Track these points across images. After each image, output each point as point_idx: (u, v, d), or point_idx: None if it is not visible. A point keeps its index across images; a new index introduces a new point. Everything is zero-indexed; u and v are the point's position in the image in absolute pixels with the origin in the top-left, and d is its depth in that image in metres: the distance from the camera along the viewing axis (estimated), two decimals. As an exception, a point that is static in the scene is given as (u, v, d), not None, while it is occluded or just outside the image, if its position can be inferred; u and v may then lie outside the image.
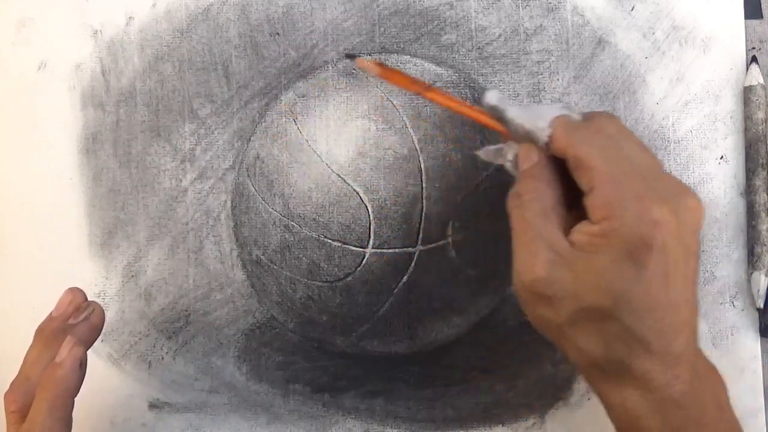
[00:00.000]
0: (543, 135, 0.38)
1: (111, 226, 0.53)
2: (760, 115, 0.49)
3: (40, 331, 0.43)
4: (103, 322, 0.44)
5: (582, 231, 0.36)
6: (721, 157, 0.50)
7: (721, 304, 0.50)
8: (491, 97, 0.39)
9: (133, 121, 0.53)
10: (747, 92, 0.50)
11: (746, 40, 0.51)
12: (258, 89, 0.52)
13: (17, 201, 0.53)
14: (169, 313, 0.52)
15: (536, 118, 0.38)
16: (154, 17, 0.53)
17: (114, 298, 0.52)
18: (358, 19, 0.52)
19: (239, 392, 0.51)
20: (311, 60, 0.52)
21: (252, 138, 0.50)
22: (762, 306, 0.49)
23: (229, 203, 0.52)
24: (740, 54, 0.51)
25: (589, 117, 0.39)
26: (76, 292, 0.44)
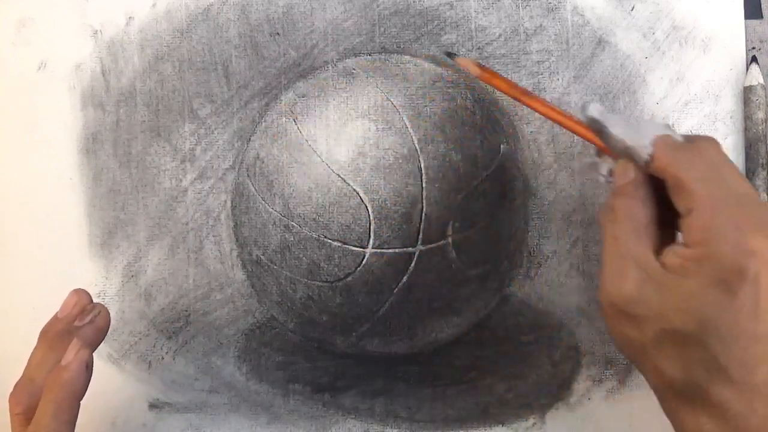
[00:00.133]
0: (644, 153, 0.37)
1: (111, 226, 0.53)
2: (760, 115, 0.49)
3: (44, 333, 0.43)
4: (109, 325, 0.44)
5: (675, 253, 0.36)
6: (721, 157, 0.50)
7: (721, 304, 0.50)
8: (593, 110, 0.39)
9: (133, 121, 0.53)
10: (747, 92, 0.50)
11: (746, 40, 0.51)
12: (258, 89, 0.52)
13: (17, 201, 0.53)
14: (169, 313, 0.52)
15: (638, 135, 0.38)
16: (154, 17, 0.53)
17: (114, 298, 0.52)
18: (358, 19, 0.52)
19: (239, 392, 0.51)
20: (311, 60, 0.52)
21: (252, 138, 0.50)
22: (762, 306, 0.49)
23: (229, 203, 0.52)
24: (740, 54, 0.51)
25: (691, 139, 0.38)
26: (82, 294, 0.44)
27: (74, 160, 0.53)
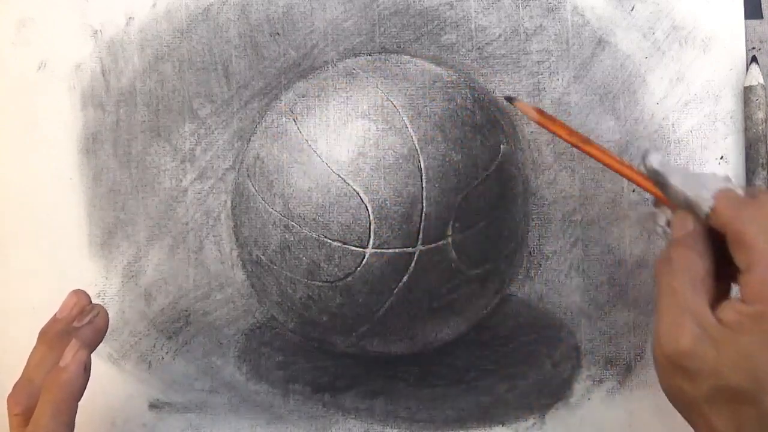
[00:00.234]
0: (705, 205, 0.37)
1: (111, 226, 0.53)
2: (760, 115, 0.49)
3: (43, 333, 0.43)
4: (108, 326, 0.44)
5: (732, 308, 0.35)
6: (721, 157, 0.50)
7: (721, 304, 0.50)
8: (653, 160, 0.39)
9: (133, 121, 0.53)
10: (747, 92, 0.50)
11: (746, 40, 0.51)
12: (258, 89, 0.52)
13: (17, 201, 0.53)
14: (169, 313, 0.52)
15: (700, 187, 0.38)
16: (154, 17, 0.53)
17: (114, 298, 0.52)
18: (358, 19, 0.52)
19: (239, 392, 0.51)
20: (311, 60, 0.52)
21: (252, 138, 0.50)
22: (762, 306, 0.49)
23: (229, 203, 0.52)
24: (740, 54, 0.51)
25: (752, 193, 0.38)
26: (81, 295, 0.44)
27: (74, 160, 0.53)
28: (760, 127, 0.49)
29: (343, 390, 0.51)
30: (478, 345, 0.51)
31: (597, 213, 0.50)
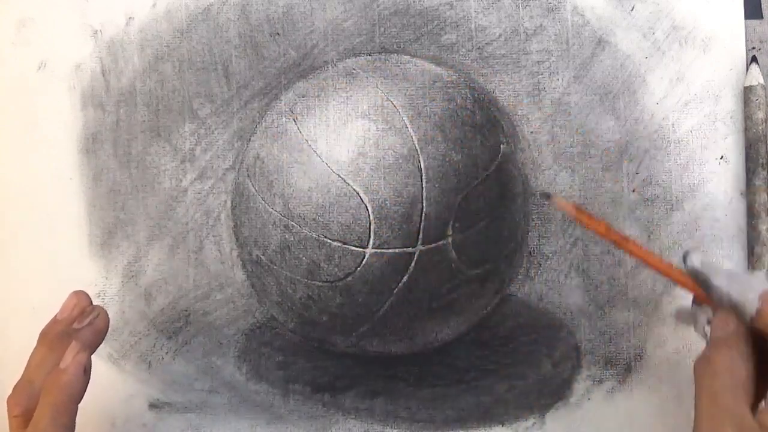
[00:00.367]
0: (751, 307, 0.37)
1: (111, 226, 0.53)
2: (760, 115, 0.49)
3: (44, 335, 0.43)
4: (108, 327, 0.44)
5: None
6: (721, 157, 0.50)
7: (721, 304, 0.50)
8: (695, 260, 0.39)
9: (133, 121, 0.53)
10: (747, 92, 0.50)
11: (746, 40, 0.51)
12: (258, 89, 0.52)
13: (17, 201, 0.53)
14: (169, 313, 0.52)
15: (744, 288, 0.37)
16: (154, 17, 0.53)
17: (114, 298, 0.52)
18: (358, 19, 0.52)
19: (239, 392, 0.51)
20: (311, 60, 0.52)
21: (252, 138, 0.50)
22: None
23: (229, 203, 0.52)
24: (740, 54, 0.51)
25: None
26: (81, 296, 0.44)
27: (74, 160, 0.53)
28: (760, 127, 0.49)
29: (343, 390, 0.51)
30: (478, 345, 0.51)
31: (597, 213, 0.50)
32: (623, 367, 0.50)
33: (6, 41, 0.54)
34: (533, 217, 0.51)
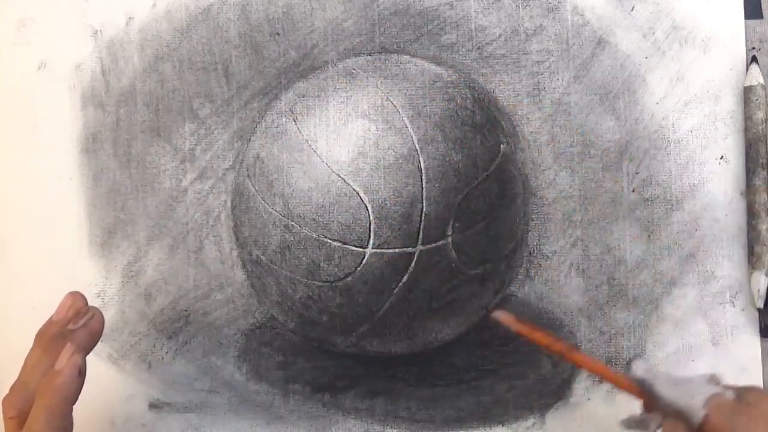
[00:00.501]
0: (697, 415, 0.37)
1: (111, 226, 0.53)
2: (760, 115, 0.49)
3: (39, 336, 0.43)
4: (103, 328, 0.44)
5: None
6: (721, 157, 0.50)
7: (721, 304, 0.50)
8: (638, 369, 0.39)
9: (133, 121, 0.53)
10: (747, 92, 0.50)
11: (746, 40, 0.51)
12: (258, 89, 0.52)
13: (17, 201, 0.53)
14: (169, 313, 0.52)
15: (688, 396, 0.38)
16: (154, 17, 0.53)
17: (114, 298, 0.52)
18: (358, 19, 0.52)
19: (239, 392, 0.51)
20: (311, 60, 0.52)
21: (252, 138, 0.50)
22: (762, 306, 0.49)
23: (229, 203, 0.52)
24: (740, 54, 0.51)
25: (742, 395, 0.38)
26: (77, 297, 0.44)
27: (74, 160, 0.53)
28: (760, 127, 0.49)
29: (343, 390, 0.51)
30: (478, 345, 0.51)
31: (597, 213, 0.50)
32: (623, 367, 0.50)
33: (6, 41, 0.54)
34: (533, 217, 0.51)
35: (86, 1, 0.53)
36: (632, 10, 0.51)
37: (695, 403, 0.37)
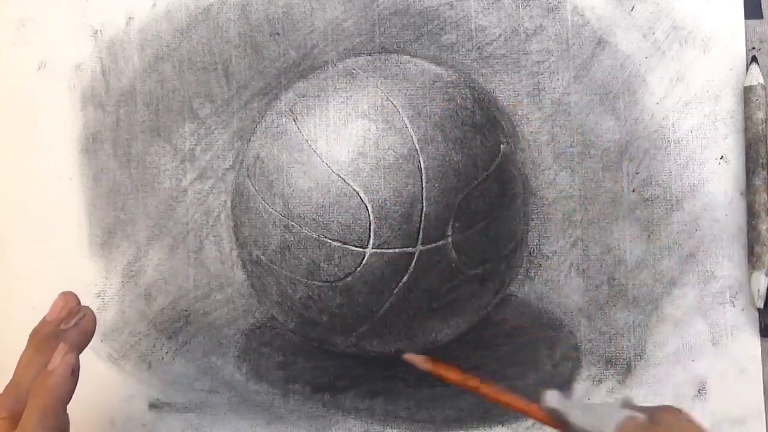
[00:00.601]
0: None
1: (111, 226, 0.53)
2: (760, 115, 0.49)
3: (33, 336, 0.43)
4: (95, 327, 0.44)
5: None
6: (721, 157, 0.50)
7: (721, 304, 0.50)
8: (550, 400, 0.39)
9: (133, 121, 0.53)
10: (747, 92, 0.50)
11: (746, 40, 0.51)
12: (258, 89, 0.52)
13: (17, 201, 0.53)
14: (169, 313, 0.52)
15: (600, 423, 0.38)
16: (154, 17, 0.53)
17: (114, 298, 0.52)
18: (358, 19, 0.52)
19: (239, 392, 0.51)
20: (311, 60, 0.52)
21: (252, 138, 0.50)
22: (762, 306, 0.49)
23: (229, 203, 0.52)
24: (740, 54, 0.51)
25: (654, 416, 0.38)
26: (69, 297, 0.44)
27: (74, 160, 0.53)
28: (760, 127, 0.49)
29: (343, 390, 0.51)
30: (478, 345, 0.51)
31: (597, 213, 0.51)
32: (623, 367, 0.50)
33: (6, 41, 0.54)
34: (533, 217, 0.51)
35: (86, 1, 0.53)
36: (632, 10, 0.51)
37: (607, 430, 0.38)
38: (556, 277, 0.51)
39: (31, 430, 0.39)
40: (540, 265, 0.51)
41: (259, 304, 0.51)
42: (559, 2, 0.51)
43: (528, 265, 0.51)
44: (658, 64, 0.51)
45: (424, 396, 0.51)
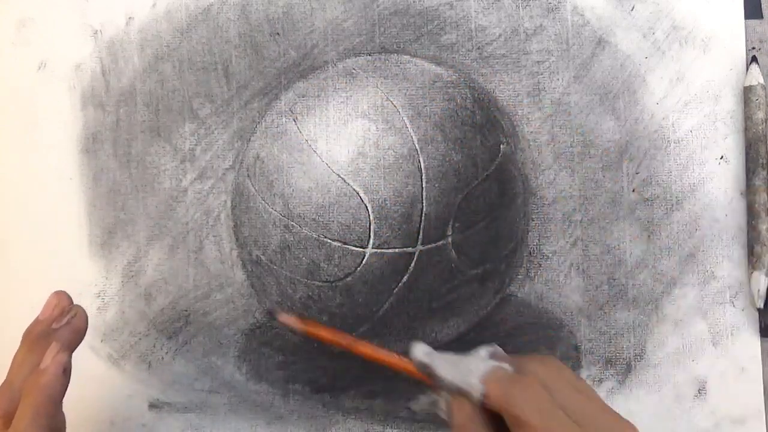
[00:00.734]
0: (476, 392, 0.38)
1: (111, 226, 0.53)
2: (760, 115, 0.49)
3: (26, 335, 0.43)
4: (87, 325, 0.44)
5: None
6: (721, 157, 0.50)
7: (721, 304, 0.50)
8: (418, 353, 0.39)
9: (133, 121, 0.53)
10: (747, 92, 0.50)
11: (746, 40, 0.51)
12: (258, 89, 0.52)
13: (17, 201, 0.53)
14: (169, 313, 0.52)
15: (467, 374, 0.38)
16: (154, 17, 0.53)
17: (114, 298, 0.52)
18: (358, 19, 0.52)
19: (239, 392, 0.51)
20: (311, 60, 0.52)
21: (252, 138, 0.50)
22: (762, 306, 0.49)
23: (229, 203, 0.52)
24: (740, 54, 0.51)
25: (521, 365, 0.39)
26: (62, 296, 0.44)
27: (74, 160, 0.53)
28: (760, 127, 0.49)
29: (343, 390, 0.51)
30: (478, 345, 0.51)
31: (597, 213, 0.50)
32: (623, 367, 0.50)
33: (6, 41, 0.54)
34: (533, 217, 0.51)
35: (86, 1, 0.53)
36: (632, 10, 0.51)
37: (473, 380, 0.38)
38: (556, 277, 0.51)
39: (23, 429, 0.39)
40: (540, 265, 0.51)
41: (259, 304, 0.51)
42: (559, 2, 0.51)
43: (528, 265, 0.51)
44: (658, 64, 0.51)
45: (424, 396, 0.51)
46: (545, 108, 0.51)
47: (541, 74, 0.51)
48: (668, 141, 0.51)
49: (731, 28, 0.51)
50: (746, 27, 0.51)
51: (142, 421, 0.51)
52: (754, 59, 0.50)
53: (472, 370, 0.38)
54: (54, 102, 0.53)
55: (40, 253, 0.53)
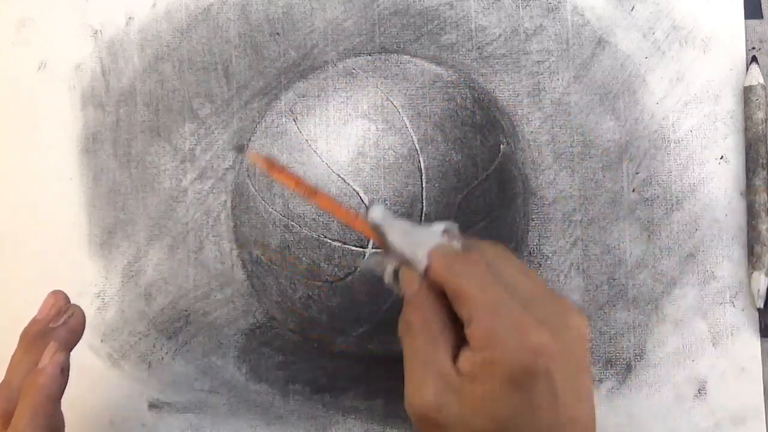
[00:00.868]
0: (420, 265, 0.37)
1: (111, 226, 0.53)
2: (760, 115, 0.49)
3: (24, 335, 0.43)
4: (84, 325, 0.44)
5: (466, 358, 0.36)
6: (721, 157, 0.50)
7: (721, 304, 0.50)
8: (375, 214, 0.38)
9: (133, 121, 0.53)
10: (747, 92, 0.50)
11: (746, 40, 0.51)
12: (258, 89, 0.52)
13: (17, 201, 0.53)
14: (169, 313, 0.52)
15: (415, 247, 0.37)
16: (154, 17, 0.53)
17: (114, 298, 0.52)
18: (358, 19, 0.52)
19: (239, 392, 0.51)
20: (311, 60, 0.52)
21: (252, 138, 0.50)
22: (762, 306, 0.49)
23: (229, 203, 0.52)
24: (740, 54, 0.51)
25: (469, 245, 0.38)
26: (59, 295, 0.44)
27: (74, 160, 0.53)
28: (760, 127, 0.49)
29: (343, 390, 0.51)
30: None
31: (597, 213, 0.50)
32: (623, 367, 0.50)
33: (6, 41, 0.54)
34: (533, 217, 0.51)
35: (86, 1, 0.53)
36: (632, 10, 0.51)
37: (420, 252, 0.37)
38: (556, 277, 0.51)
39: (22, 428, 0.39)
40: (540, 265, 0.51)
41: (259, 304, 0.51)
42: (559, 2, 0.51)
43: (528, 265, 0.51)
44: (658, 64, 0.51)
45: (424, 396, 0.51)
46: (545, 108, 0.51)
47: (541, 74, 0.51)
48: (668, 141, 0.51)
49: (731, 28, 0.51)
50: (746, 27, 0.51)
51: (142, 421, 0.51)
52: (754, 59, 0.50)
53: (422, 242, 0.38)
54: (54, 102, 0.53)
55: (40, 253, 0.53)
